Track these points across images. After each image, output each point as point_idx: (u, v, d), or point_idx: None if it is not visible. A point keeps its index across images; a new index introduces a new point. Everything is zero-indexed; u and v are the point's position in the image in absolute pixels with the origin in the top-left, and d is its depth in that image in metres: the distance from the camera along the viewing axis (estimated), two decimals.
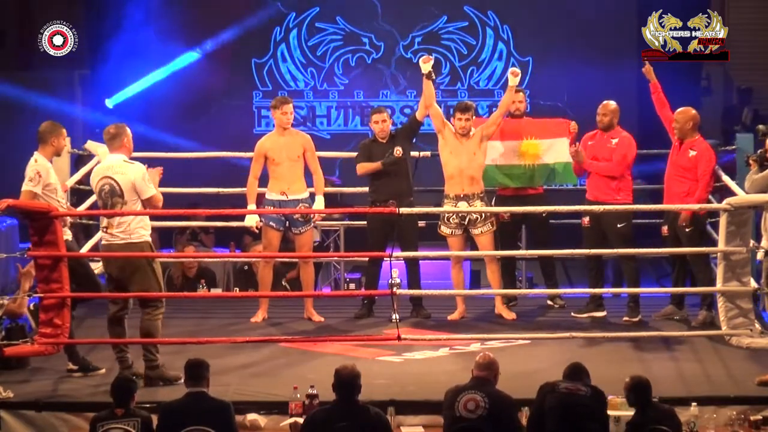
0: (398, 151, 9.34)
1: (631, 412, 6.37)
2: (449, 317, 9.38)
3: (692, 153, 9.16)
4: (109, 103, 14.85)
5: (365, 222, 9.75)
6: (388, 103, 15.15)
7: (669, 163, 9.37)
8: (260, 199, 9.65)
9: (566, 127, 9.76)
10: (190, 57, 15.25)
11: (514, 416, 6.34)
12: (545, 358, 8.12)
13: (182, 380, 7.21)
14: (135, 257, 7.62)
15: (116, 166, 7.69)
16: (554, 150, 9.78)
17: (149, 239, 7.73)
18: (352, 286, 10.66)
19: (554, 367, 6.85)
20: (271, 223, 9.29)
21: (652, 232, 10.03)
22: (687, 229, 9.10)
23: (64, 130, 8.04)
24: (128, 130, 7.84)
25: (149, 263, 7.67)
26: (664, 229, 9.37)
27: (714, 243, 9.26)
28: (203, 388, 6.34)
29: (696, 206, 8.87)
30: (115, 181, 7.63)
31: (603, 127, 9.46)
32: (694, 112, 9.27)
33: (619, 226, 9.30)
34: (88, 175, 10.32)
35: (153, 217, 11.13)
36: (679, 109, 9.30)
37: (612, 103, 9.49)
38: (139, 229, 7.65)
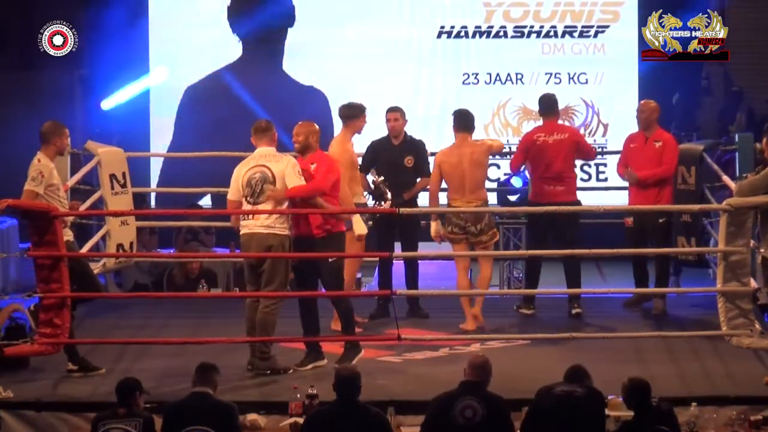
0: (375, 176, 9.28)
1: (631, 413, 6.37)
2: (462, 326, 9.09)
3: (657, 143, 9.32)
4: (104, 105, 14.80)
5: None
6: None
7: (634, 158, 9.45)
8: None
9: None
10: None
11: (508, 416, 6.33)
12: (545, 358, 8.12)
13: (292, 370, 7.74)
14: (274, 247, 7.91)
15: (269, 156, 8.05)
16: None
17: (289, 233, 8.02)
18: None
19: (554, 368, 6.84)
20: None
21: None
22: (660, 220, 9.16)
23: (67, 130, 8.05)
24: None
25: (285, 258, 8.04)
26: (629, 220, 9.39)
27: (674, 240, 9.46)
28: (209, 389, 6.34)
29: (696, 207, 8.90)
30: (269, 168, 7.97)
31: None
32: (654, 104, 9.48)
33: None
34: (87, 175, 10.36)
35: (153, 218, 11.23)
36: (643, 101, 9.58)
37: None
38: (282, 223, 7.95)
